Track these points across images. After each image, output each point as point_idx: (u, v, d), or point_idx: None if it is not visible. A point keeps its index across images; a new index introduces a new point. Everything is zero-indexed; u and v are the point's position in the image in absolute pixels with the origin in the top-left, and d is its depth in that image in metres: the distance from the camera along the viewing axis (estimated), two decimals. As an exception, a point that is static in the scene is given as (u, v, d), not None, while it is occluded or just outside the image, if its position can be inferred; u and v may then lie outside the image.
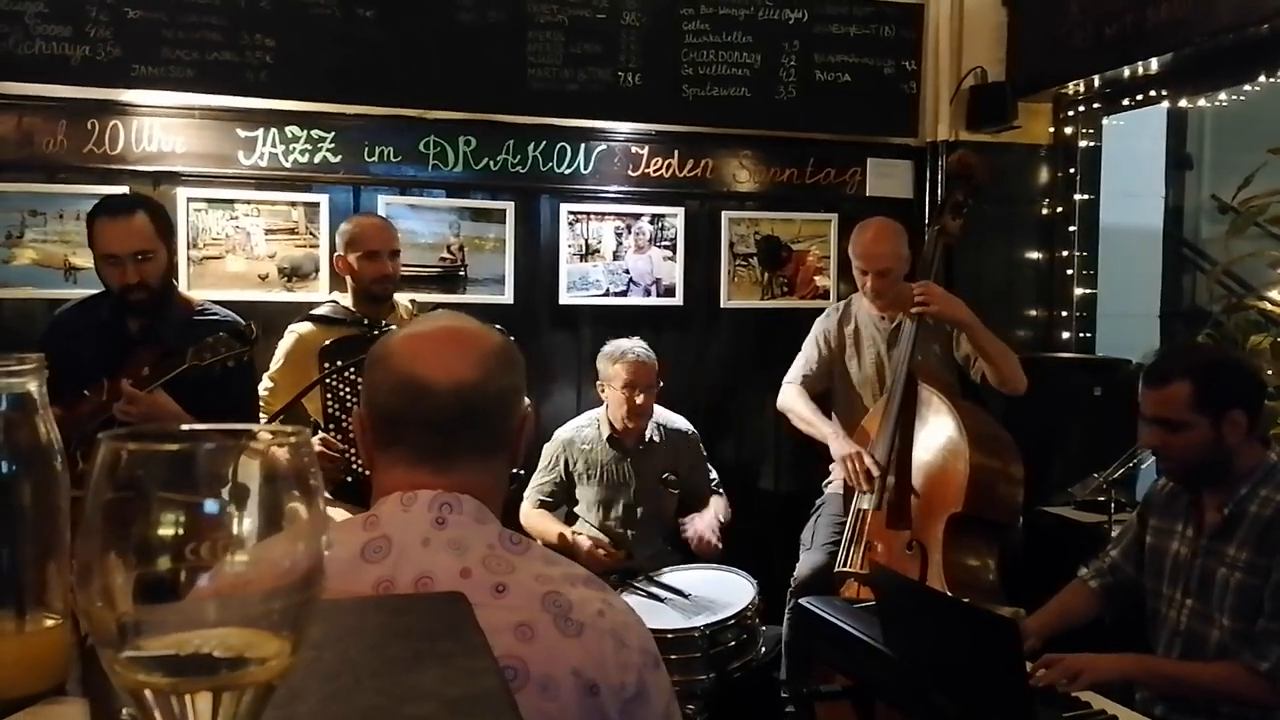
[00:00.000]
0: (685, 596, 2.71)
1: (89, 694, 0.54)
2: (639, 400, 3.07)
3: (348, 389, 2.62)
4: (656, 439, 3.20)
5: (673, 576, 2.85)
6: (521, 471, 3.14)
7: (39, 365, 0.60)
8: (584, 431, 3.21)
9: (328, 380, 2.61)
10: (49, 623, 0.59)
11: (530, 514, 3.18)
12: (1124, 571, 2.25)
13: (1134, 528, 2.26)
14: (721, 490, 3.32)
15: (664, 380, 3.18)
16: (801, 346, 3.33)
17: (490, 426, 1.10)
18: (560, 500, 3.25)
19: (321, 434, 2.63)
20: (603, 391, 3.17)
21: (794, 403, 3.21)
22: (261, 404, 2.81)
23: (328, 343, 2.68)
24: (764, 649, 2.70)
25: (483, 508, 1.08)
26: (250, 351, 2.42)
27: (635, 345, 3.13)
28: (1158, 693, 2.05)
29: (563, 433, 3.23)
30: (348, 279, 2.91)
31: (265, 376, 2.88)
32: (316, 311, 2.96)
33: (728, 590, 2.75)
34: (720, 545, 3.05)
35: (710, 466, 3.34)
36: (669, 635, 2.49)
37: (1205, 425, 1.98)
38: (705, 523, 3.10)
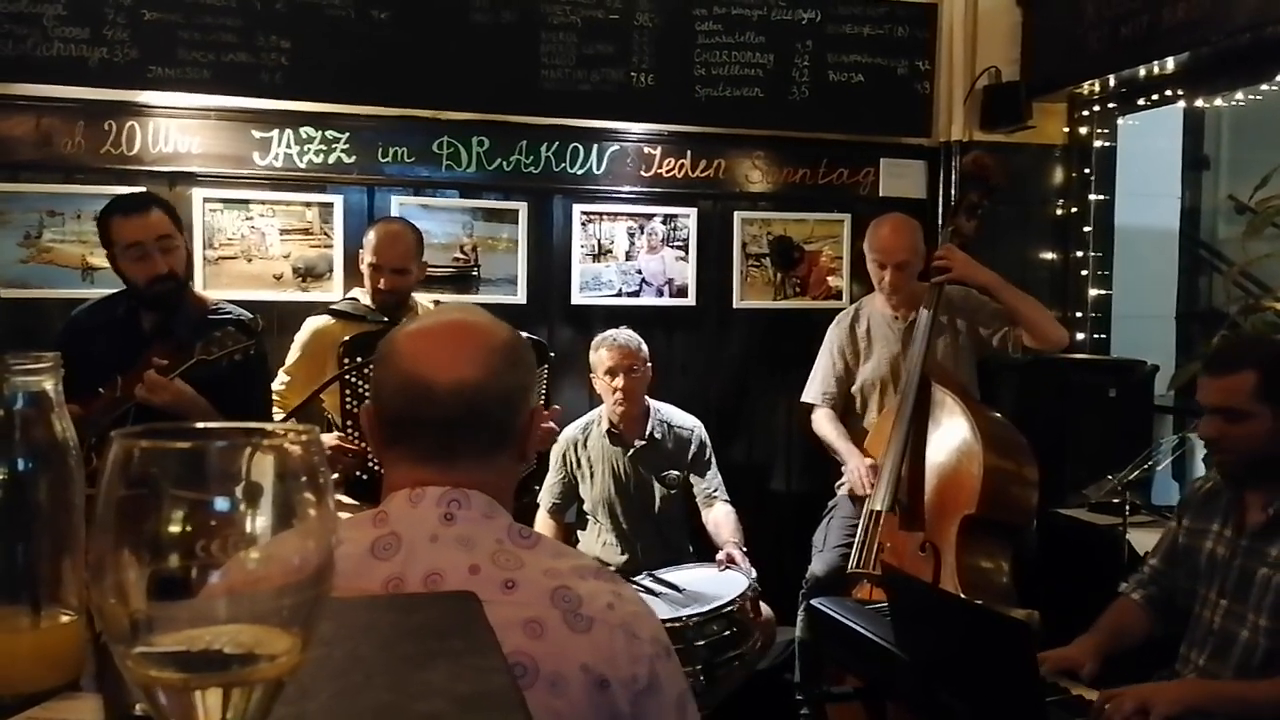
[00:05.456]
0: (679, 591, 2.72)
1: (103, 689, 0.54)
2: (621, 384, 3.06)
3: (366, 385, 2.62)
4: (659, 436, 3.17)
5: (674, 574, 2.86)
6: (537, 488, 3.15)
7: (55, 364, 0.61)
8: (587, 429, 3.21)
9: (347, 376, 2.62)
10: (64, 618, 0.59)
11: (539, 521, 3.19)
12: (1167, 577, 2.19)
13: (1172, 532, 2.21)
14: (725, 498, 3.19)
15: (675, 381, 3.17)
16: (813, 347, 3.31)
17: (493, 425, 1.09)
18: (571, 500, 3.25)
19: (337, 431, 2.64)
20: (595, 385, 3.17)
21: (822, 428, 3.19)
22: (276, 398, 2.82)
23: (348, 338, 2.68)
24: (759, 641, 2.69)
25: (492, 503, 1.08)
26: (256, 344, 2.43)
27: (619, 332, 3.13)
28: (1226, 717, 1.93)
29: (568, 431, 3.23)
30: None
31: (281, 371, 2.89)
32: (335, 306, 2.98)
33: (723, 585, 2.74)
34: (748, 565, 2.92)
35: (716, 471, 3.25)
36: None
37: (1269, 416, 1.92)
38: (731, 545, 2.99)
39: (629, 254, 3.71)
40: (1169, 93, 3.56)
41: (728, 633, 2.57)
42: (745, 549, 2.99)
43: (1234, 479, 2.06)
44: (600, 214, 3.68)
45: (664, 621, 2.45)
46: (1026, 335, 2.93)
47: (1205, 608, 2.04)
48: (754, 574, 2.82)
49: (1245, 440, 1.95)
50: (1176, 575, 2.17)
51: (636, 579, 2.79)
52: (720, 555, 2.95)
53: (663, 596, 2.70)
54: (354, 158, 3.39)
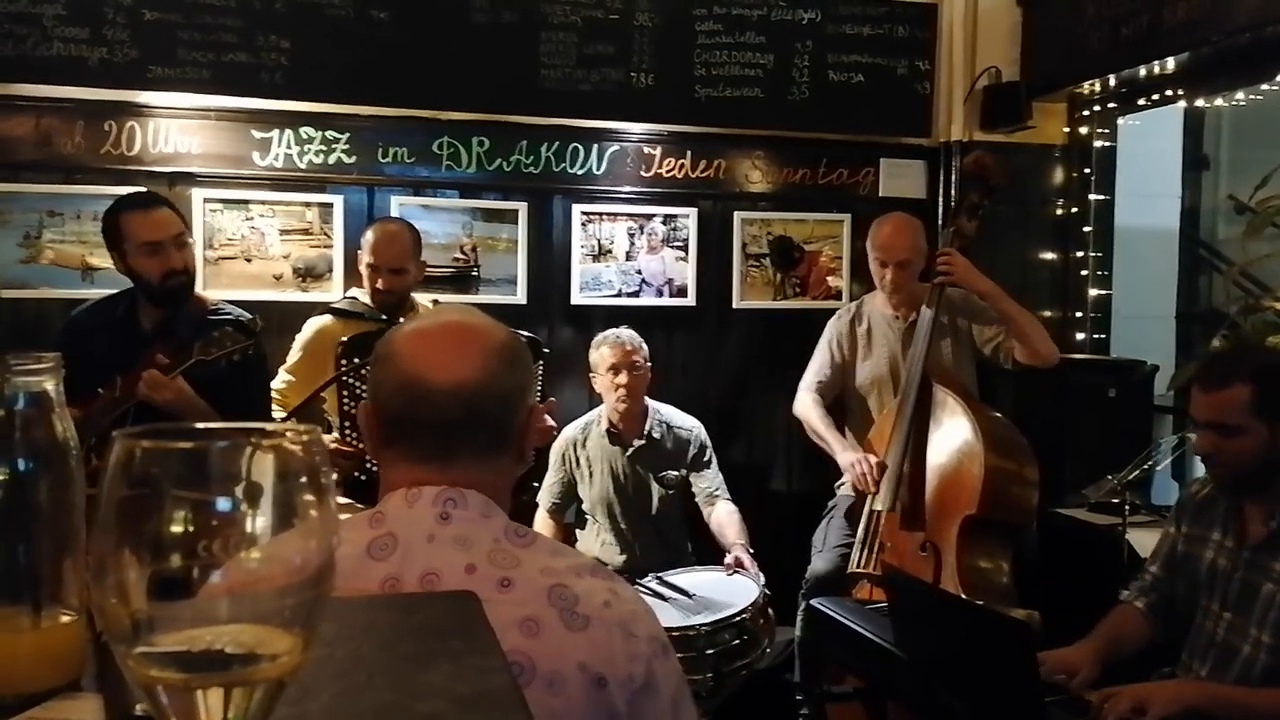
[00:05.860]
0: (689, 596, 2.71)
1: (103, 689, 0.54)
2: (624, 380, 3.06)
3: (364, 386, 2.62)
4: (657, 435, 3.17)
5: (682, 577, 2.85)
6: (536, 485, 3.15)
7: (56, 364, 0.60)
8: (586, 429, 3.21)
9: (345, 377, 2.62)
10: (64, 618, 0.59)
11: (539, 521, 3.19)
12: (1167, 584, 2.18)
13: (1170, 538, 2.20)
14: (726, 497, 3.18)
15: (675, 381, 3.17)
16: (813, 348, 3.31)
17: (491, 426, 1.09)
18: (570, 500, 3.25)
19: (335, 433, 2.64)
20: (596, 384, 3.17)
21: (808, 412, 3.19)
22: (278, 396, 2.82)
23: (344, 339, 2.68)
24: (767, 649, 2.69)
25: (489, 502, 1.08)
26: (254, 345, 2.43)
27: (620, 330, 3.14)
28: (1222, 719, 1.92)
29: (567, 430, 3.22)
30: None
31: (282, 370, 2.90)
32: (336, 305, 2.98)
33: (733, 591, 2.74)
34: (756, 569, 2.89)
35: (717, 470, 3.24)
36: (670, 633, 2.48)
37: (1263, 431, 1.91)
38: (738, 548, 2.96)
39: (629, 254, 3.71)
40: (1169, 93, 3.56)
41: (737, 641, 2.56)
42: (751, 550, 2.99)
43: (1230, 491, 2.04)
44: (600, 214, 3.68)
45: (675, 629, 2.48)
46: (1018, 348, 2.94)
47: (1207, 619, 2.03)
48: (762, 579, 2.81)
49: (1239, 455, 1.94)
50: (1176, 582, 2.16)
51: (644, 581, 2.78)
52: (729, 559, 2.94)
53: (673, 602, 2.69)
54: (354, 158, 3.39)
